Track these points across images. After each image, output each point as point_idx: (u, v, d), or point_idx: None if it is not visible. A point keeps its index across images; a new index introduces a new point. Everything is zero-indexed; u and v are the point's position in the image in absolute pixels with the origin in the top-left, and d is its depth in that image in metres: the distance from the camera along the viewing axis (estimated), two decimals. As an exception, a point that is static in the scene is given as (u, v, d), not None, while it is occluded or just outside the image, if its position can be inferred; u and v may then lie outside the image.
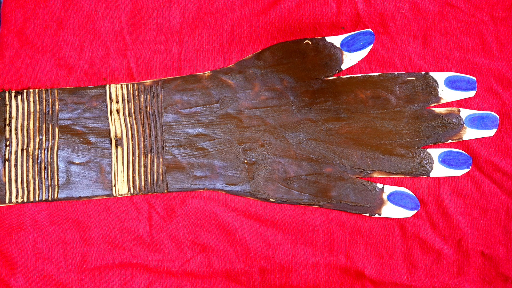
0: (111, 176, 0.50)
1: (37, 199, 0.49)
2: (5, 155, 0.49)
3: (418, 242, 0.50)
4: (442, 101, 0.50)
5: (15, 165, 0.49)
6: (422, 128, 0.50)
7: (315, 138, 0.50)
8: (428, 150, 0.50)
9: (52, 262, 0.50)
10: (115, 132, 0.50)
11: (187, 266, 0.50)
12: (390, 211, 0.50)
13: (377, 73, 0.50)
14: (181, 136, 0.50)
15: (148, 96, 0.50)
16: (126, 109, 0.50)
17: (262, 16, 0.51)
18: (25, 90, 0.50)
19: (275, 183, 0.50)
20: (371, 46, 0.50)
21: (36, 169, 0.49)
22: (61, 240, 0.50)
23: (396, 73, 0.50)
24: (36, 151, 0.49)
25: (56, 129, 0.50)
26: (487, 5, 0.51)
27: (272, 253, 0.50)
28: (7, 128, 0.49)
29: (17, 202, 0.49)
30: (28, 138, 0.49)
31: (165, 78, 0.50)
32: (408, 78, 0.50)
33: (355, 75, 0.50)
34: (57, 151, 0.49)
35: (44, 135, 0.49)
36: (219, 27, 0.51)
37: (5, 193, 0.49)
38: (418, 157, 0.50)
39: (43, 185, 0.49)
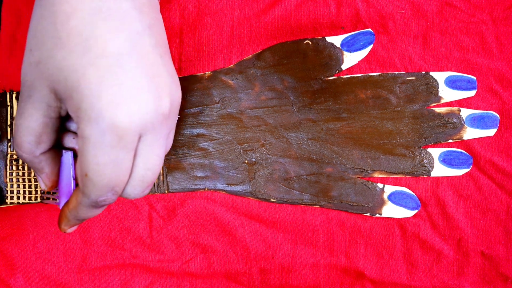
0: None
1: (38, 199, 0.49)
2: (6, 155, 0.49)
3: (418, 242, 0.50)
4: (442, 101, 0.50)
5: (17, 166, 0.49)
6: (422, 128, 0.50)
7: (315, 138, 0.50)
8: (429, 149, 0.50)
9: (52, 262, 0.50)
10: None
11: (187, 266, 0.50)
12: (390, 211, 0.50)
13: (377, 73, 0.50)
14: (182, 137, 0.50)
15: (149, 96, 0.50)
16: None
17: (262, 16, 0.51)
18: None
19: (276, 183, 0.50)
20: (371, 46, 0.50)
21: (36, 170, 0.49)
22: (61, 241, 0.50)
23: (396, 73, 0.50)
24: (37, 152, 0.49)
25: (57, 130, 0.49)
26: (487, 5, 0.51)
27: (272, 253, 0.50)
28: (9, 129, 0.49)
29: (18, 203, 0.49)
30: (29, 139, 0.49)
31: (165, 78, 0.50)
32: (408, 78, 0.50)
33: (355, 75, 0.50)
34: (57, 151, 0.49)
35: (44, 135, 0.49)
36: (219, 27, 0.51)
37: (6, 193, 0.49)
38: (418, 156, 0.50)
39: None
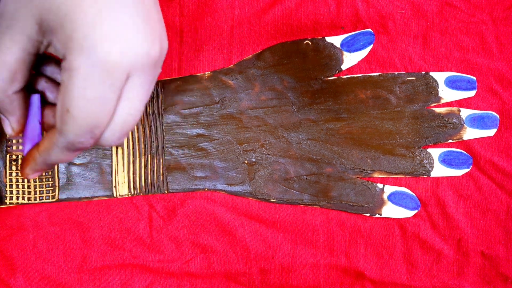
0: (112, 177, 0.49)
1: (37, 200, 0.49)
2: (6, 156, 0.49)
3: (418, 242, 0.50)
4: (442, 101, 0.50)
5: (16, 166, 0.49)
6: (422, 128, 0.50)
7: (315, 139, 0.50)
8: (429, 150, 0.50)
9: (52, 262, 0.50)
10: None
11: (187, 266, 0.50)
12: (390, 211, 0.50)
13: (377, 73, 0.50)
14: (182, 137, 0.50)
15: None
16: (127, 110, 0.50)
17: (262, 16, 0.51)
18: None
19: (276, 184, 0.50)
20: (371, 46, 0.50)
21: (36, 170, 0.49)
22: (61, 241, 0.50)
23: (396, 73, 0.50)
24: (37, 152, 0.49)
25: (57, 130, 0.49)
26: (487, 5, 0.51)
27: (272, 253, 0.50)
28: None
29: (17, 203, 0.49)
30: (29, 139, 0.49)
31: (165, 79, 0.50)
32: (408, 78, 0.50)
33: (355, 75, 0.50)
34: (57, 152, 0.49)
35: (44, 136, 0.49)
36: (219, 26, 0.51)
37: (6, 193, 0.49)
38: (418, 157, 0.50)
39: (44, 186, 0.49)
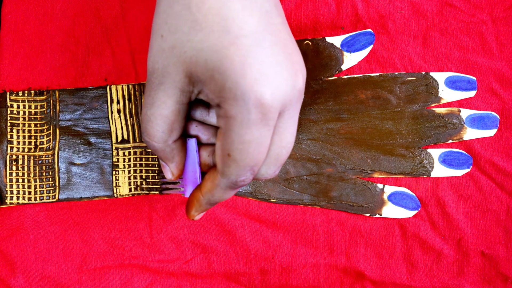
0: (112, 177, 0.49)
1: (38, 200, 0.49)
2: (6, 156, 0.49)
3: (418, 242, 0.50)
4: (442, 101, 0.50)
5: (16, 166, 0.49)
6: (422, 128, 0.50)
7: (315, 139, 0.50)
8: (429, 150, 0.50)
9: (52, 262, 0.50)
10: (116, 133, 0.50)
11: (187, 266, 0.50)
12: (390, 211, 0.50)
13: (377, 74, 0.50)
14: (182, 137, 0.50)
15: (149, 97, 0.50)
16: (127, 110, 0.50)
17: (262, 16, 0.51)
18: (25, 91, 0.50)
19: (276, 184, 0.50)
20: (371, 47, 0.50)
21: (37, 170, 0.49)
22: (61, 241, 0.50)
23: (396, 73, 0.50)
24: (37, 152, 0.49)
25: (57, 130, 0.49)
26: (487, 5, 0.51)
27: (272, 253, 0.50)
28: (8, 129, 0.49)
29: (18, 203, 0.49)
30: (29, 139, 0.49)
31: (165, 78, 0.50)
32: (409, 78, 0.50)
33: (355, 76, 0.50)
34: (58, 152, 0.49)
35: (45, 136, 0.49)
36: (219, 27, 0.51)
37: (6, 193, 0.49)
38: (418, 157, 0.50)
39: (44, 186, 0.49)
